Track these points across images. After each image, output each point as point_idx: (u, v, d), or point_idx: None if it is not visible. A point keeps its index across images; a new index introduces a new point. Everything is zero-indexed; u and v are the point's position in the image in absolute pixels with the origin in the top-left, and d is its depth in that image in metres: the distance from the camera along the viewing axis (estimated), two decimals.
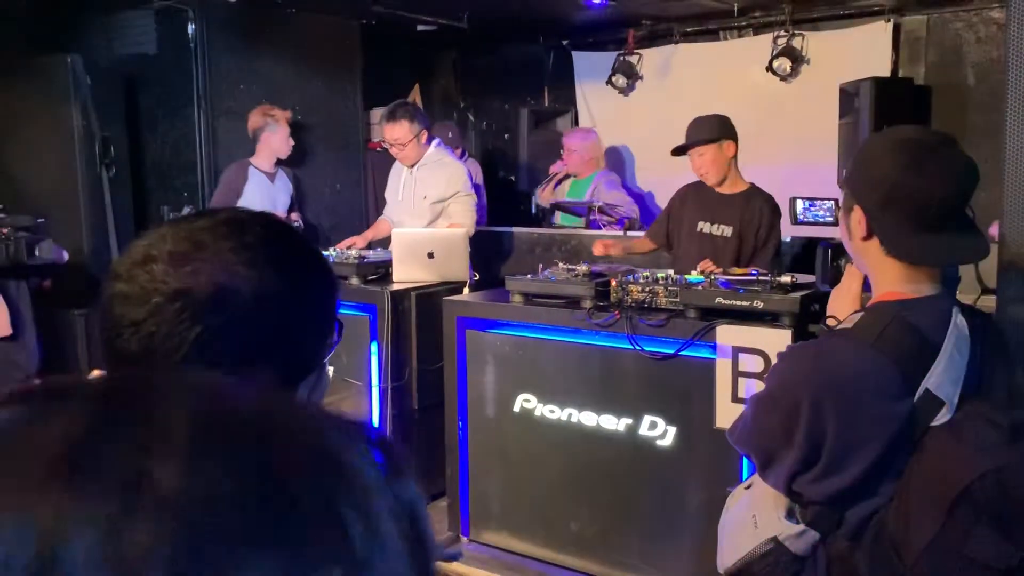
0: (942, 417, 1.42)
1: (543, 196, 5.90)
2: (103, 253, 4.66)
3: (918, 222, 1.48)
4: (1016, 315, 2.17)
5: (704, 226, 3.87)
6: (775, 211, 3.81)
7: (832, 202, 4.86)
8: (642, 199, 5.86)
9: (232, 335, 0.82)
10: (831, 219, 4.78)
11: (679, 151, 3.86)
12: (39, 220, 3.97)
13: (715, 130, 3.77)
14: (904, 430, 1.43)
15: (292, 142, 4.98)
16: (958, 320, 1.47)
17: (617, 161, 6.59)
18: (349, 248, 4.46)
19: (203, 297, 0.81)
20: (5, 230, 3.75)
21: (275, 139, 4.89)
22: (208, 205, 4.94)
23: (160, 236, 0.85)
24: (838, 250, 1.79)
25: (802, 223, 5.04)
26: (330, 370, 0.94)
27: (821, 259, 1.84)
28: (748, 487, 1.71)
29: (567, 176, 5.81)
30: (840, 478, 1.47)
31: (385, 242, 4.59)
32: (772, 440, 1.54)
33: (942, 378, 1.43)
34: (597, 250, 3.99)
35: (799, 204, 5.02)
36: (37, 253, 3.78)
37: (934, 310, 1.50)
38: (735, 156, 3.82)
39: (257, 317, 0.83)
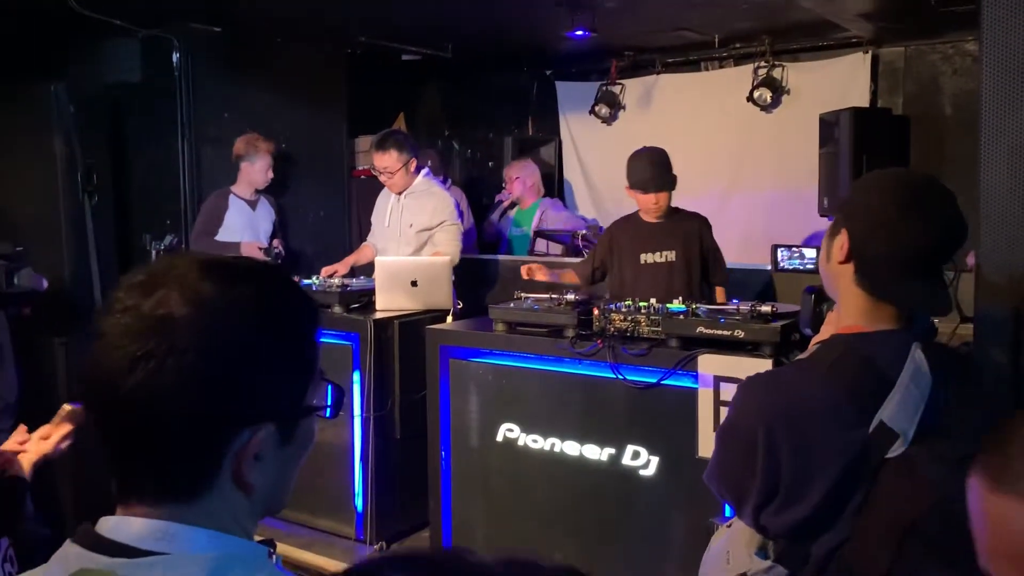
0: (896, 449, 1.41)
1: (490, 224, 6.18)
2: (84, 281, 4.63)
3: (896, 261, 1.50)
4: (992, 343, 2.19)
5: (647, 257, 3.96)
6: (706, 223, 4.03)
7: (815, 250, 4.87)
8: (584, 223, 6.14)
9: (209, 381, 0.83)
10: (812, 267, 4.80)
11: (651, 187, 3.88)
12: (18, 248, 3.93)
13: (672, 175, 3.90)
14: (859, 461, 1.42)
15: (271, 174, 4.98)
16: (916, 355, 1.46)
17: (566, 191, 6.88)
18: (331, 276, 4.45)
19: (185, 341, 0.81)
20: None
21: (253, 170, 4.90)
22: (191, 233, 4.93)
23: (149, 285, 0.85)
24: (821, 295, 1.80)
25: (783, 271, 5.03)
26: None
27: (804, 303, 1.85)
28: (730, 525, 1.71)
29: (512, 205, 6.06)
30: (797, 509, 1.46)
31: (367, 268, 4.58)
32: (737, 472, 1.53)
33: (896, 410, 1.42)
34: (524, 274, 4.01)
35: (780, 252, 5.04)
36: (16, 281, 3.75)
37: (891, 344, 1.50)
38: None
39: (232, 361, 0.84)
